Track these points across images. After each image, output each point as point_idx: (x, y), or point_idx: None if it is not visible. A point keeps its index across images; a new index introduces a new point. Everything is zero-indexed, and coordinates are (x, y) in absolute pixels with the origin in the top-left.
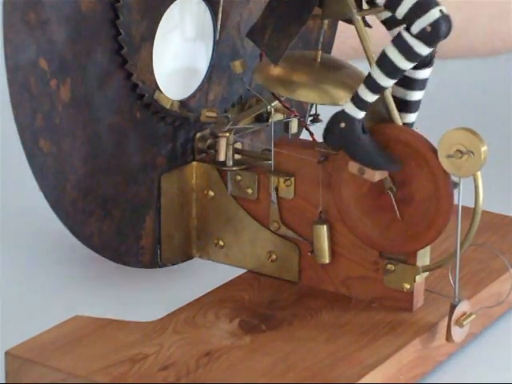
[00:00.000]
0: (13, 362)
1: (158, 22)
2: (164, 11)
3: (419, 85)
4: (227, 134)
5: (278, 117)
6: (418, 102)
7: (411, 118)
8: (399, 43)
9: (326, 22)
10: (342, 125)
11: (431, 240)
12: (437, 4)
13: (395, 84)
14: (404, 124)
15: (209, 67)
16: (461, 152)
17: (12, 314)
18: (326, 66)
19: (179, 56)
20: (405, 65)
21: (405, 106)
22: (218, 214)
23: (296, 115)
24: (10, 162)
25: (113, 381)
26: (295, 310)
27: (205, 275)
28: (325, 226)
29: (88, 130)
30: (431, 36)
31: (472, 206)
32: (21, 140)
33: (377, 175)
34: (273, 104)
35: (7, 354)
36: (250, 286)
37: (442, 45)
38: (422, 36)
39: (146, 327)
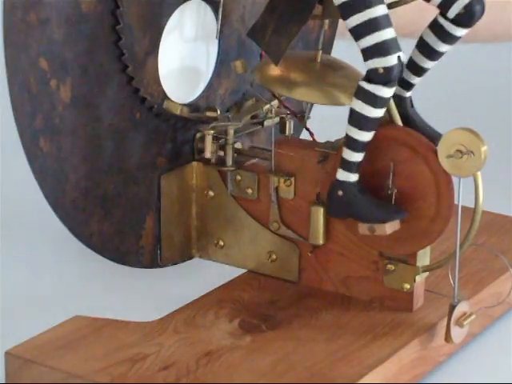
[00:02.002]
0: (13, 361)
1: (161, 34)
2: (166, 23)
3: (437, 56)
4: (211, 132)
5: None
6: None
7: (417, 80)
8: (360, 94)
9: (326, 21)
10: (340, 193)
11: (431, 240)
12: (398, 50)
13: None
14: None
15: (216, 64)
16: (461, 152)
17: (12, 313)
18: (326, 66)
19: (185, 59)
20: (374, 113)
21: (433, 54)
22: (217, 213)
23: (296, 115)
24: (10, 162)
25: (113, 381)
26: (295, 310)
27: (205, 275)
28: (322, 208)
29: (88, 130)
30: (382, 77)
31: (472, 205)
32: (21, 140)
33: (388, 228)
34: (273, 103)
35: (7, 353)
36: (250, 286)
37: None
38: (374, 76)
39: (146, 327)
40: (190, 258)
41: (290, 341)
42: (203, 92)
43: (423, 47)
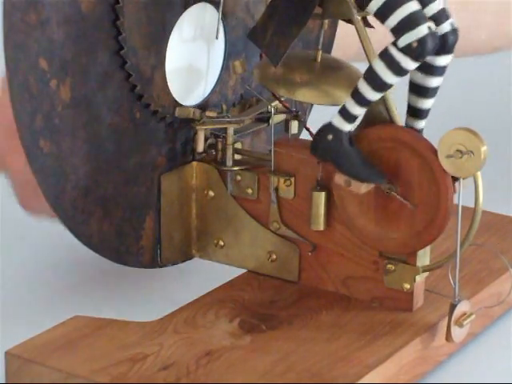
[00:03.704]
0: (13, 361)
1: (166, 47)
2: (169, 34)
3: (431, 93)
4: (203, 127)
5: (279, 117)
6: (428, 111)
7: (421, 124)
8: (386, 58)
9: (326, 21)
10: (330, 137)
11: (431, 240)
12: (426, 20)
13: (410, 91)
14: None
15: (224, 57)
16: (461, 152)
17: (12, 314)
18: (326, 66)
19: (191, 60)
20: (391, 79)
21: (417, 113)
22: (217, 213)
23: (296, 114)
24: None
25: (113, 381)
26: (295, 310)
27: (205, 275)
28: (323, 193)
29: (88, 130)
30: (417, 52)
31: (472, 205)
32: (21, 140)
33: (363, 188)
34: (273, 104)
35: (7, 353)
36: (250, 286)
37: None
38: (407, 51)
39: (146, 327)
40: (190, 258)
41: (290, 341)
42: (214, 87)
43: (415, 88)
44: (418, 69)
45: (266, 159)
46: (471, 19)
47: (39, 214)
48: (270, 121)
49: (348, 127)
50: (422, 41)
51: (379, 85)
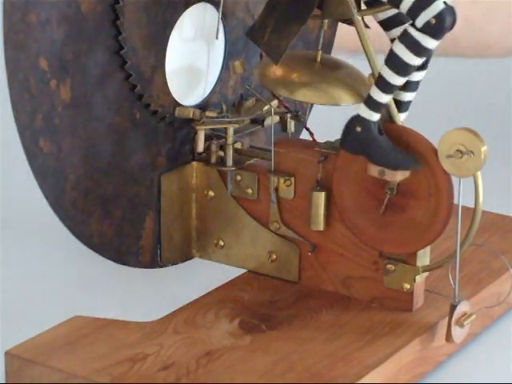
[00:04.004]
0: (13, 361)
1: (166, 47)
2: (169, 34)
3: (412, 86)
4: (203, 127)
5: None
6: (408, 103)
7: (400, 117)
8: (406, 40)
9: (326, 21)
10: (358, 129)
11: (431, 240)
12: None
13: None
14: None
15: (224, 57)
16: (461, 152)
17: (12, 313)
18: (326, 66)
19: (191, 60)
20: (414, 60)
21: (396, 106)
22: (217, 214)
23: (296, 114)
24: (10, 162)
25: (113, 381)
26: (295, 310)
27: (205, 275)
28: (323, 193)
29: (88, 129)
30: (436, 28)
31: (472, 205)
32: (21, 140)
33: (398, 175)
34: (272, 103)
35: (7, 354)
36: (250, 286)
37: (457, 41)
38: (427, 29)
39: (146, 327)
40: (190, 258)
41: (290, 341)
42: (214, 87)
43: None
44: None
45: (266, 159)
46: (483, 15)
47: None
48: (266, 121)
49: (376, 117)
50: (439, 16)
51: (402, 68)
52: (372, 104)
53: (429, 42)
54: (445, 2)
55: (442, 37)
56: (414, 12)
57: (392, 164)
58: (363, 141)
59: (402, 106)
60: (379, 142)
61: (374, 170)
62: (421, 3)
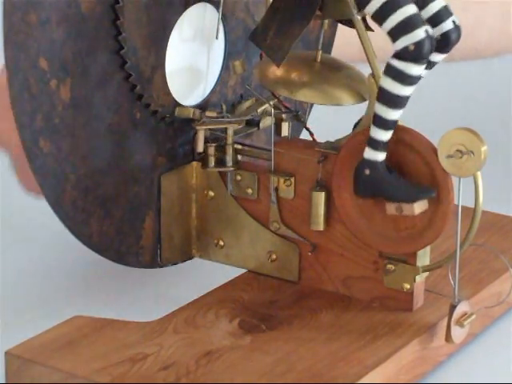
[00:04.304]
0: (13, 361)
1: (166, 47)
2: (169, 34)
3: (430, 65)
4: (203, 127)
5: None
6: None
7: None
8: (390, 72)
9: (326, 22)
10: (367, 172)
11: (431, 240)
12: (423, 24)
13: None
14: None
15: (224, 57)
16: (461, 152)
17: (12, 313)
18: (326, 66)
19: (191, 60)
20: (405, 91)
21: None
22: (218, 214)
23: (296, 114)
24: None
25: (113, 381)
26: (295, 310)
27: (205, 275)
28: (323, 193)
29: (88, 130)
30: (414, 54)
31: (472, 205)
32: (21, 140)
33: (416, 208)
34: (272, 103)
35: (7, 353)
36: (250, 286)
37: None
38: (406, 54)
39: (146, 327)
40: (190, 258)
41: (290, 341)
42: (214, 87)
43: None
44: None
45: (266, 159)
46: (473, 20)
47: (40, 192)
48: (263, 123)
49: (381, 156)
50: (418, 44)
51: (394, 101)
52: (374, 144)
53: (412, 69)
54: (426, 31)
55: (423, 62)
56: (395, 34)
57: (407, 198)
58: (374, 182)
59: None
60: (390, 179)
61: (391, 208)
62: (402, 28)
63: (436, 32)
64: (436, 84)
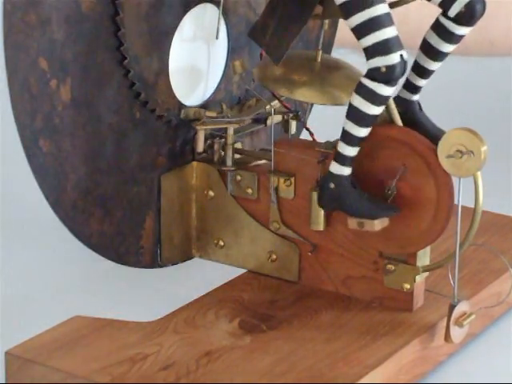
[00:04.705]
0: (13, 361)
1: (169, 52)
2: (171, 39)
3: (441, 57)
4: (203, 127)
5: (277, 118)
6: (432, 72)
7: (423, 82)
8: (361, 91)
9: (326, 21)
10: (331, 185)
11: (431, 240)
12: (400, 48)
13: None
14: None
15: (227, 53)
16: (461, 152)
17: (12, 313)
18: (326, 66)
19: (194, 60)
20: (373, 110)
21: (422, 71)
22: (217, 213)
23: (296, 114)
24: (10, 162)
25: (113, 381)
26: (295, 310)
27: (205, 275)
28: None
29: (88, 130)
30: (384, 76)
31: (472, 205)
32: (21, 140)
33: (377, 225)
34: (273, 104)
35: (7, 354)
36: (250, 286)
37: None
38: (378, 75)
39: (146, 327)
40: (190, 258)
41: (290, 341)
42: (219, 84)
43: (427, 48)
44: (436, 33)
45: (265, 159)
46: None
47: None
48: (268, 121)
49: (347, 171)
50: (390, 67)
51: (362, 119)
52: (341, 159)
53: (383, 90)
54: (401, 56)
55: (394, 84)
56: (371, 53)
57: (369, 215)
58: (338, 196)
59: (428, 73)
60: (353, 195)
61: (352, 223)
62: (381, 49)
63: (460, 4)
64: (436, 84)
